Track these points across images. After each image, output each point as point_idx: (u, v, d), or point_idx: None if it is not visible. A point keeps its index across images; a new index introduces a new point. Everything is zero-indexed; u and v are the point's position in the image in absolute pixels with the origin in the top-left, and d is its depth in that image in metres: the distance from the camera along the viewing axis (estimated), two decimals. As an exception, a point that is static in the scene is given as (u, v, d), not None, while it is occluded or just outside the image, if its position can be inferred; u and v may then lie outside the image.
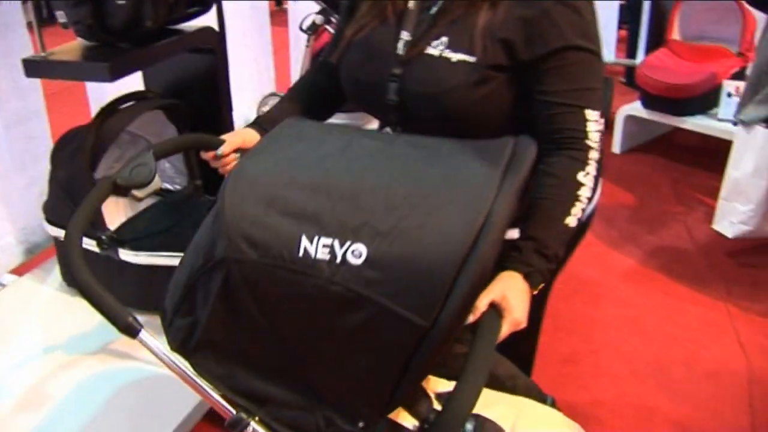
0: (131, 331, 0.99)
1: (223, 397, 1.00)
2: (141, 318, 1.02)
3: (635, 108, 3.74)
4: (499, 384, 1.28)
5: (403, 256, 0.84)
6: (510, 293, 1.02)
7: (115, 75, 1.69)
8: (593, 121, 1.13)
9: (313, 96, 1.41)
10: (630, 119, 3.82)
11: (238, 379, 0.97)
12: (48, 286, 2.07)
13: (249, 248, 0.89)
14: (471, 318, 0.99)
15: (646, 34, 4.22)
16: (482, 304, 1.00)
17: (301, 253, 0.87)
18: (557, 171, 1.14)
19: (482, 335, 0.97)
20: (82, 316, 1.90)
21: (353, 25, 1.28)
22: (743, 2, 3.21)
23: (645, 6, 4.20)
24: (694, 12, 3.69)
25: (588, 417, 2.06)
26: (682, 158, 3.85)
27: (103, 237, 1.82)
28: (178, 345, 1.00)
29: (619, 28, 5.20)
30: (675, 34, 3.74)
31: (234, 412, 0.99)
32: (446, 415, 0.90)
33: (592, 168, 1.14)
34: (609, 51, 4.44)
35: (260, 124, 1.34)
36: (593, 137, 1.13)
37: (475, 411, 1.20)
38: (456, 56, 1.15)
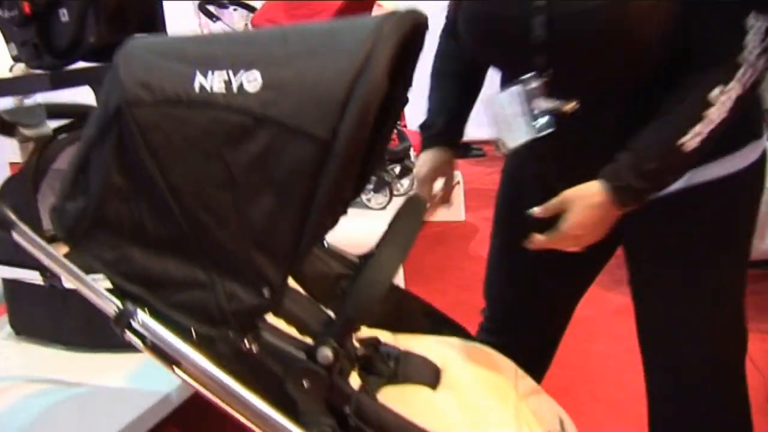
0: (5, 224, 0.95)
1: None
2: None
3: None
4: (422, 328, 1.24)
5: (297, 76, 0.87)
6: (572, 203, 1.02)
7: (55, 84, 1.69)
8: (753, 32, 0.94)
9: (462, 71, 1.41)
10: None
11: (133, 262, 0.91)
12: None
13: (145, 92, 0.88)
14: None
15: None
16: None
17: (197, 89, 0.86)
18: (686, 83, 1.01)
19: (404, 211, 1.03)
20: (27, 359, 1.76)
21: None
22: None
23: None
24: None
25: (588, 442, 1.86)
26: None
27: (45, 263, 1.71)
28: (67, 231, 0.94)
29: None
30: None
31: (120, 304, 0.91)
32: (368, 272, 0.89)
33: (733, 89, 0.97)
34: None
35: None
36: (746, 54, 0.95)
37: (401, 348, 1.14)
38: None
